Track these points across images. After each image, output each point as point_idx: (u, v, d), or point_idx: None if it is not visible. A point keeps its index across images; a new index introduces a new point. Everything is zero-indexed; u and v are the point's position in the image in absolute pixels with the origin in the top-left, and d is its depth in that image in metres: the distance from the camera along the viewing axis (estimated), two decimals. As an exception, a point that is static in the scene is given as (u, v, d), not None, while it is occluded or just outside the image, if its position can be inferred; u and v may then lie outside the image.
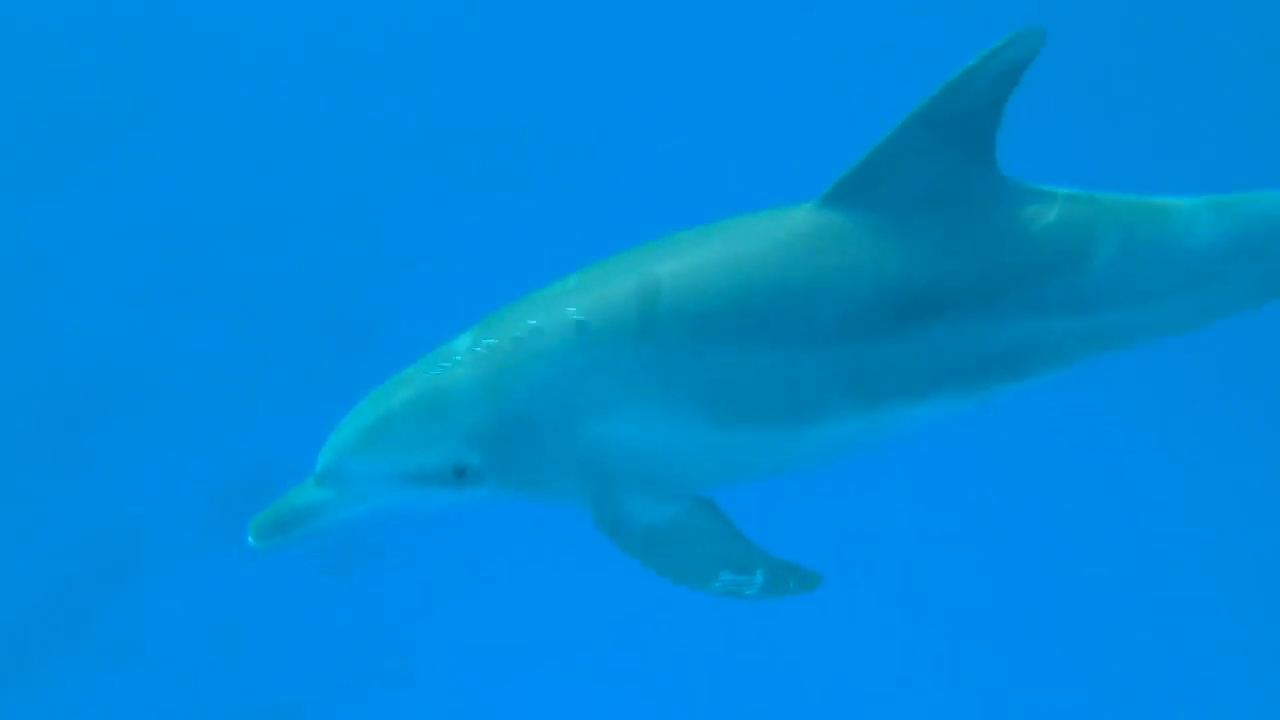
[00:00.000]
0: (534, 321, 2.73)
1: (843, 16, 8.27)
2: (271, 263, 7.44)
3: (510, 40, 8.80)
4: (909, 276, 2.67)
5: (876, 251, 2.66)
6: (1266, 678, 5.04)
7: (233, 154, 8.27)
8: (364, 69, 8.88)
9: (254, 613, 5.54)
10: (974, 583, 5.23)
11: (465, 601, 5.45)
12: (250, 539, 2.68)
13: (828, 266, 2.67)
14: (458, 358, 2.75)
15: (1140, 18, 7.62)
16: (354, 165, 8.06)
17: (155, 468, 6.21)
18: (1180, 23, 7.53)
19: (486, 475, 2.72)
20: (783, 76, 7.83)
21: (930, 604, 5.24)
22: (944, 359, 2.73)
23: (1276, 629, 5.15)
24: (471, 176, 7.89)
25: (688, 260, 2.75)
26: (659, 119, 7.75)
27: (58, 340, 7.17)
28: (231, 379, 6.65)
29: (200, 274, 7.47)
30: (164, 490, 6.01)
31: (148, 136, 8.62)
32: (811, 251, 2.68)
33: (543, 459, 2.73)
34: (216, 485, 5.84)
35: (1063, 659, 5.15)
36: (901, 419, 2.81)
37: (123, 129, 8.71)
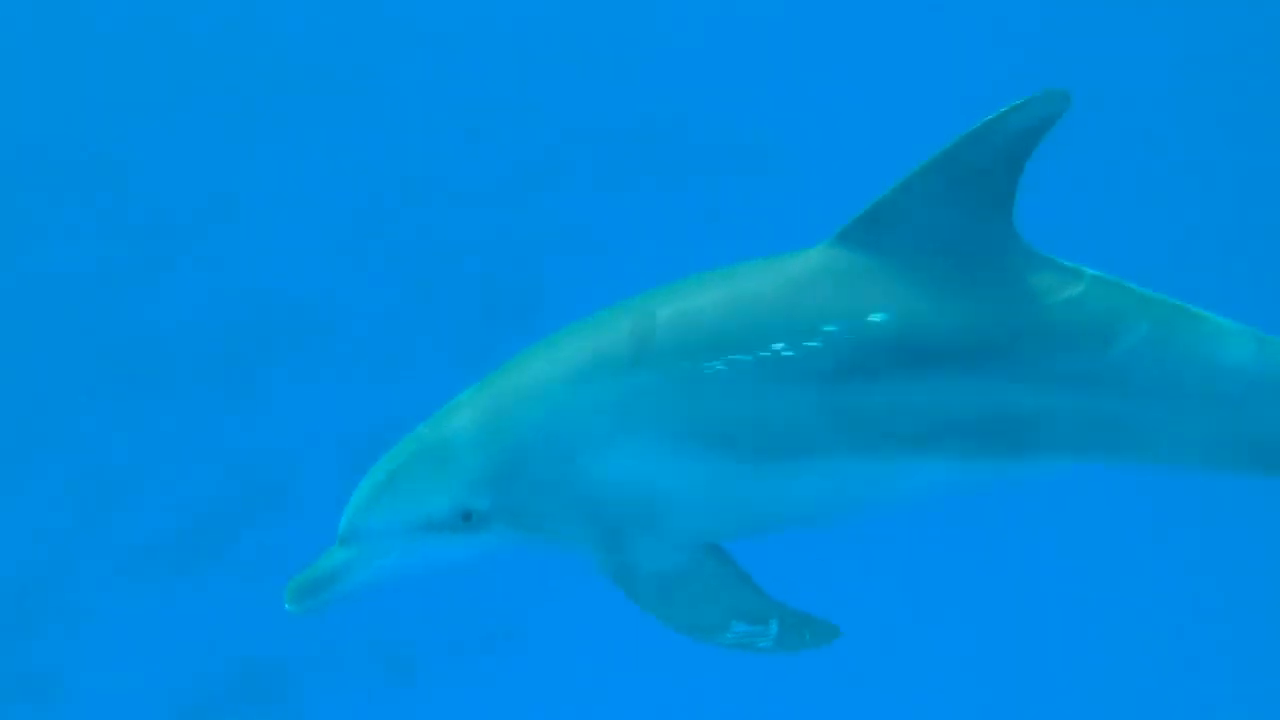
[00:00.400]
0: (531, 365, 2.77)
1: (1020, 25, 8.03)
2: (447, 230, 7.76)
3: (689, 43, 8.89)
4: (909, 321, 2.58)
5: (879, 293, 2.60)
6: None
7: (429, 124, 8.65)
8: (556, 61, 9.14)
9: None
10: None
11: (578, 570, 5.55)
12: (286, 604, 2.79)
13: (828, 302, 2.61)
14: (461, 408, 2.80)
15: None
16: (537, 149, 8.31)
17: (313, 405, 6.56)
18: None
19: (494, 519, 2.73)
20: (948, 82, 7.66)
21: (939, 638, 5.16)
22: (943, 412, 2.60)
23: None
24: (643, 170, 8.01)
25: (687, 298, 2.72)
26: (824, 123, 7.67)
27: (250, 272, 7.67)
28: (394, 333, 6.97)
29: (383, 231, 7.86)
30: (317, 428, 6.34)
31: (359, 97, 9.09)
32: (814, 288, 2.64)
33: (545, 500, 2.73)
34: (363, 431, 6.11)
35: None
36: (899, 472, 2.69)
37: (338, 85, 9.21)
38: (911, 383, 2.58)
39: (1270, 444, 2.69)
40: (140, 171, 8.54)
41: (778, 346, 2.58)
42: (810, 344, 2.58)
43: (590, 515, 2.72)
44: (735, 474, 2.65)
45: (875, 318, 2.59)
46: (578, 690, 5.35)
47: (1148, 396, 2.64)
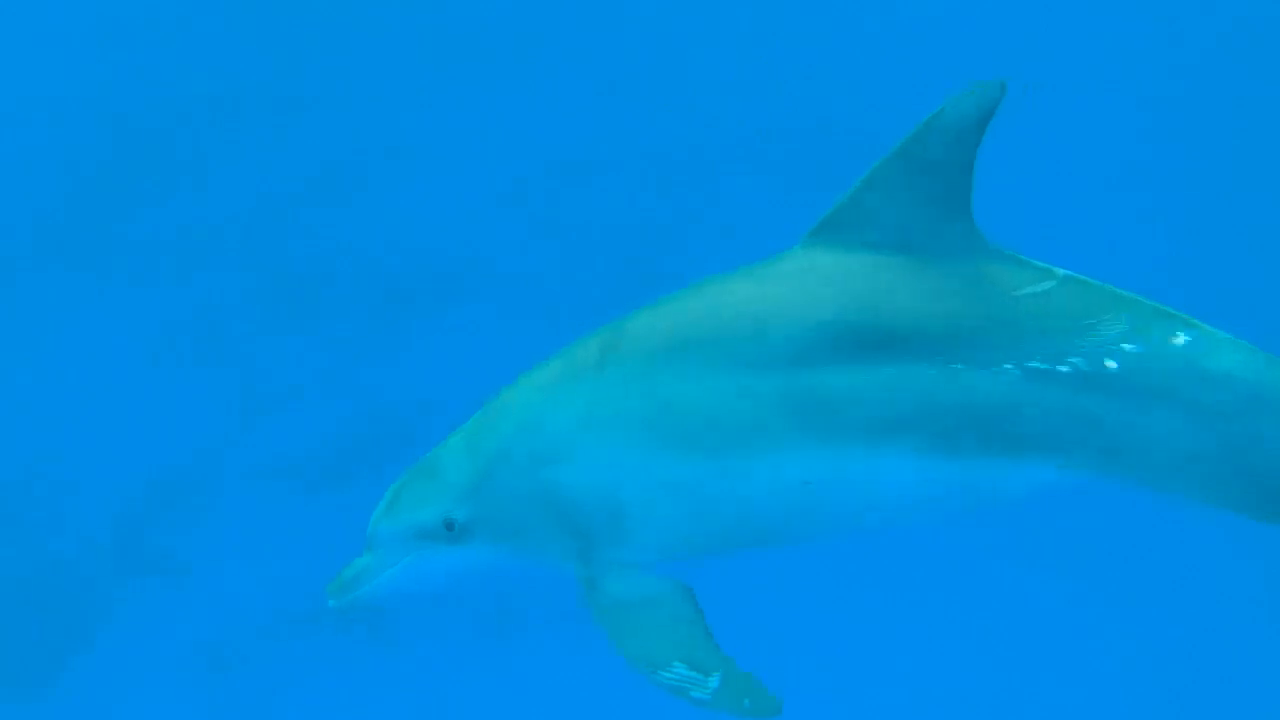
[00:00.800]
0: (516, 381, 2.88)
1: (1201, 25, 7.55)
2: (605, 207, 7.91)
3: (877, 50, 8.75)
4: (868, 311, 2.65)
5: (839, 284, 2.68)
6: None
7: (607, 101, 8.80)
8: (743, 55, 9.17)
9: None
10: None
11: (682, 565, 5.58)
12: (329, 602, 3.02)
13: (787, 294, 2.69)
14: (463, 428, 2.96)
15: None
16: (710, 140, 8.34)
17: (453, 358, 6.81)
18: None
19: (475, 529, 2.84)
20: (1114, 90, 7.28)
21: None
22: (903, 404, 2.58)
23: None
24: (813, 172, 7.85)
25: (660, 307, 2.80)
26: (995, 139, 7.36)
27: (412, 222, 8.01)
28: (536, 301, 7.15)
29: (543, 200, 8.07)
30: (452, 381, 6.52)
31: (545, 66, 9.31)
32: (779, 287, 2.73)
33: (518, 509, 2.81)
34: (493, 390, 6.28)
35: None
36: (864, 471, 2.63)
37: (526, 51, 9.46)
38: (873, 372, 2.59)
39: (1268, 473, 2.53)
40: (328, 111, 9.01)
41: (737, 343, 2.66)
42: (769, 338, 2.64)
43: (561, 524, 2.78)
44: (697, 474, 2.67)
45: (837, 310, 2.65)
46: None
47: (1126, 397, 2.55)
